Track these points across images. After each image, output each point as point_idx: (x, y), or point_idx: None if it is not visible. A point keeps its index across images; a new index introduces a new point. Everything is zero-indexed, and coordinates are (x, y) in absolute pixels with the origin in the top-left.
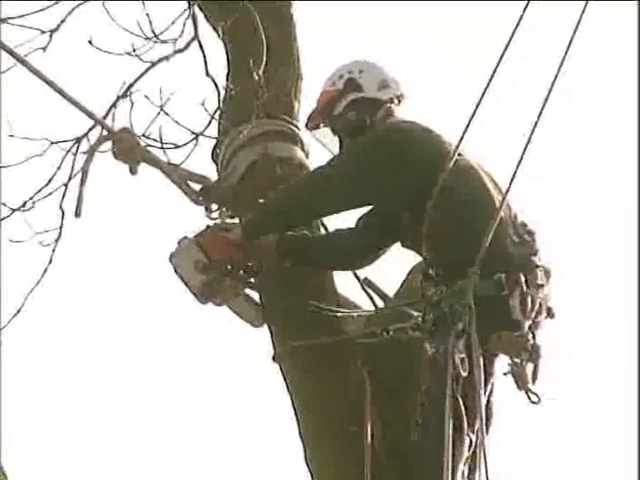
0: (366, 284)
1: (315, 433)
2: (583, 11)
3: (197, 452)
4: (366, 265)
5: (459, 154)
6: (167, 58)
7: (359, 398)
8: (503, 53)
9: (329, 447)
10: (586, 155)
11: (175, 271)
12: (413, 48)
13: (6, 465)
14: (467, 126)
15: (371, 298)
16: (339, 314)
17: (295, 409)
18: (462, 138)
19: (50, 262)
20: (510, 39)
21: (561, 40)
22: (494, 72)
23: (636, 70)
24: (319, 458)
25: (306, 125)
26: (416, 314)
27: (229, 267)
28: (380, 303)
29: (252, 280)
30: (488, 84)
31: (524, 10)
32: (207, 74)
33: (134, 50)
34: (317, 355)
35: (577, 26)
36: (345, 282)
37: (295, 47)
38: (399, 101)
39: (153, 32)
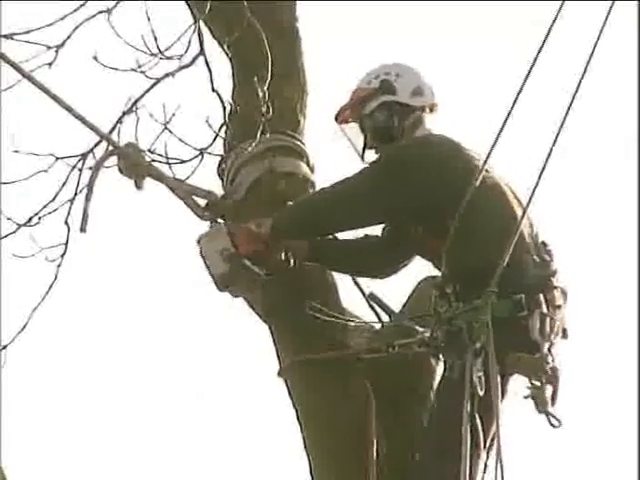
0: (371, 299)
1: (319, 447)
2: (607, 15)
3: (204, 466)
4: (391, 274)
5: (485, 170)
6: (173, 74)
7: (363, 412)
8: (531, 67)
9: (333, 461)
10: (585, 156)
11: (200, 253)
12: (419, 50)
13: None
14: (494, 143)
15: (376, 313)
16: (344, 328)
17: (300, 423)
18: (488, 155)
19: (56, 278)
20: (539, 51)
21: (573, 44)
22: (522, 87)
23: (636, 70)
24: (323, 471)
25: (335, 118)
26: (421, 330)
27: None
28: (385, 318)
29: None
30: (516, 99)
31: (553, 23)
32: (213, 90)
33: (139, 66)
34: (322, 369)
35: (600, 34)
36: (350, 297)
37: (300, 62)
38: (432, 110)
39: (158, 48)
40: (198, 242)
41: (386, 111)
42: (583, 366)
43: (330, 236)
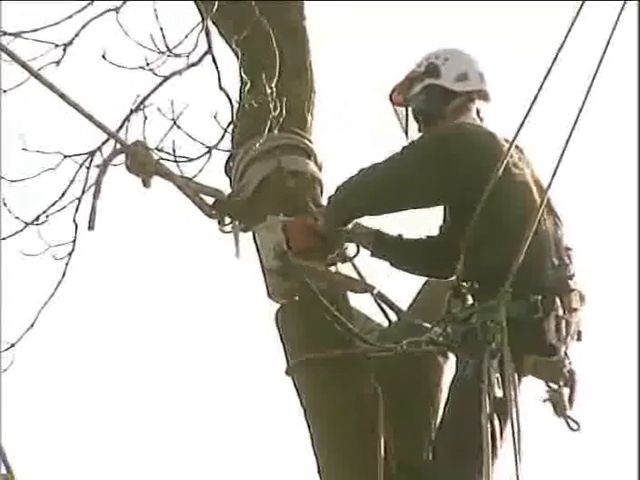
0: (379, 298)
1: (328, 445)
2: (619, 13)
3: (211, 466)
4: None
5: (516, 166)
6: (180, 72)
7: (372, 411)
8: (554, 60)
9: (342, 459)
10: (584, 155)
11: (255, 244)
12: (428, 49)
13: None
14: (515, 136)
15: (384, 312)
16: (353, 327)
17: (308, 421)
18: (509, 150)
19: (63, 276)
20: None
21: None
22: (542, 84)
23: (636, 70)
24: (331, 470)
25: (390, 97)
26: (430, 328)
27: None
28: (393, 317)
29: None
30: (537, 94)
31: (574, 20)
32: (220, 88)
33: (147, 64)
34: (330, 368)
35: (613, 31)
36: (358, 296)
37: (308, 61)
38: (482, 98)
39: (166, 46)
40: (255, 232)
41: (428, 94)
42: (595, 368)
43: (394, 234)
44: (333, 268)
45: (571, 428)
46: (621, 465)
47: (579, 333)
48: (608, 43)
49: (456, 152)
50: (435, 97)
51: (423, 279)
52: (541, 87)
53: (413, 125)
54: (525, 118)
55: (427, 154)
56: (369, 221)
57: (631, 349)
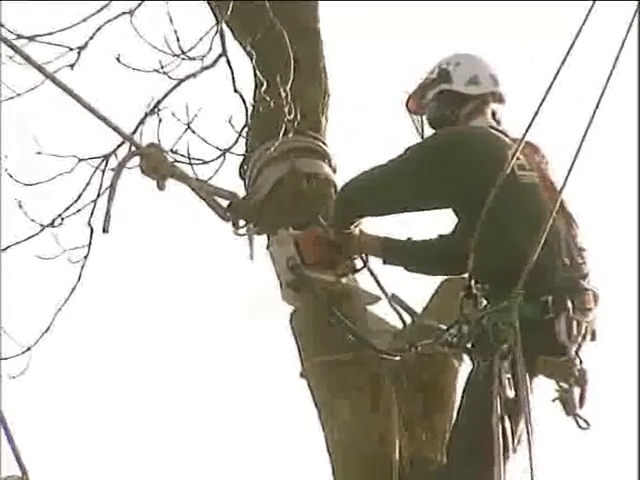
0: (394, 300)
1: (342, 447)
2: (634, 16)
3: (225, 467)
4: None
5: (523, 167)
6: (195, 74)
7: (387, 413)
8: (564, 60)
9: (357, 462)
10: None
11: (270, 257)
12: (441, 50)
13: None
14: (523, 137)
15: (399, 314)
16: (367, 328)
17: (322, 424)
18: (516, 151)
19: (79, 279)
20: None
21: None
22: (552, 83)
23: (636, 70)
24: (346, 472)
25: (406, 105)
26: (445, 330)
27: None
28: (408, 319)
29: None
30: (545, 95)
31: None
32: (235, 90)
33: (162, 67)
34: (345, 370)
35: (628, 32)
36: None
37: (322, 63)
38: (497, 100)
39: (181, 49)
40: (268, 247)
41: (441, 100)
42: (613, 368)
43: (403, 237)
44: (344, 279)
45: (581, 427)
46: (632, 464)
47: (593, 333)
48: (622, 45)
49: (456, 153)
50: (448, 102)
51: (438, 281)
52: (549, 89)
53: (429, 132)
54: (533, 119)
55: (428, 155)
56: (380, 227)
57: None
